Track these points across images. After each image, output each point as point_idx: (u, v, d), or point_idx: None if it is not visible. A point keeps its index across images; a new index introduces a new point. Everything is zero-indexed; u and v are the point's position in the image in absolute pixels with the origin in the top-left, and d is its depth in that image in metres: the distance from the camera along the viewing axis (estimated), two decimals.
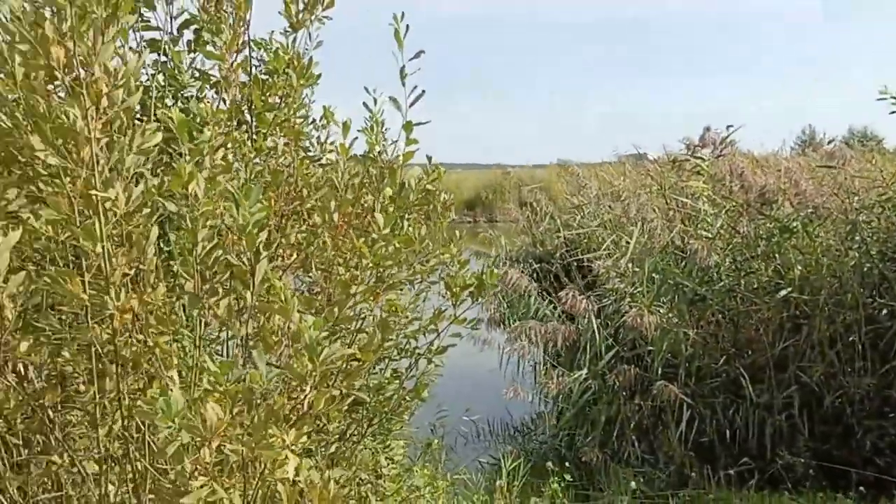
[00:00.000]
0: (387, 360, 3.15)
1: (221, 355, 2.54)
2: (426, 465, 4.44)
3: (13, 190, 1.64)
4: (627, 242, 6.96)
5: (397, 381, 3.01)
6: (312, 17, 2.80)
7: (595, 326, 6.49)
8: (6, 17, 1.77)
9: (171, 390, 1.41)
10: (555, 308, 7.28)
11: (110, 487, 2.35)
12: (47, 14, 1.68)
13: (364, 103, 2.97)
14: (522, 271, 7.26)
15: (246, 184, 1.83)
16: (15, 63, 1.45)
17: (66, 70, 1.51)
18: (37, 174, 1.78)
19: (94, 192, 1.53)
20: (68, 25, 1.45)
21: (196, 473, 1.44)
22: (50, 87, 1.78)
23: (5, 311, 1.68)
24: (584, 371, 6.36)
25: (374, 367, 3.09)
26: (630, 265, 6.60)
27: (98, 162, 1.60)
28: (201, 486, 1.41)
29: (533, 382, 8.12)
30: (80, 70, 1.50)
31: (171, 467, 1.77)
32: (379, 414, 2.93)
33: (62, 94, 1.82)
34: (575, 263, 8.22)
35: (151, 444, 2.29)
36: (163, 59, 2.74)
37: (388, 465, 3.35)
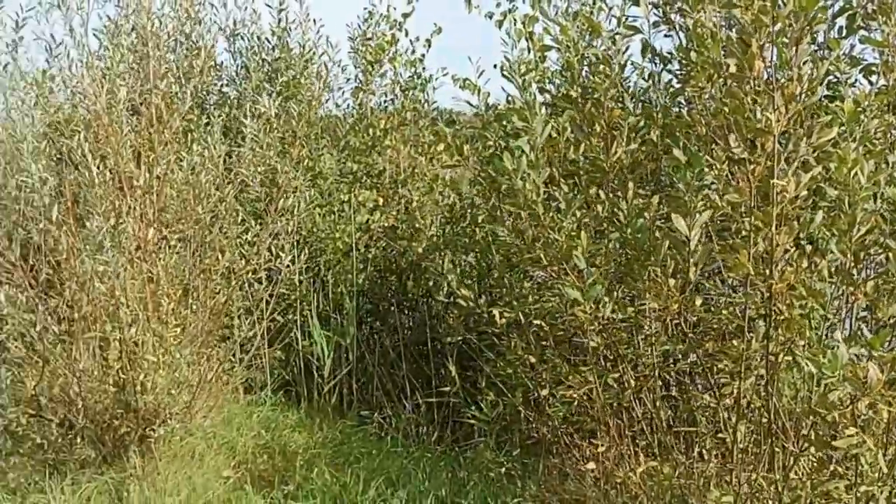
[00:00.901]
0: None
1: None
2: None
3: (705, 171, 2.06)
4: None
5: None
6: None
7: None
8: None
9: (837, 348, 1.63)
10: None
11: (738, 436, 2.71)
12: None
13: None
14: None
15: None
16: (729, 69, 1.84)
17: (759, 77, 1.86)
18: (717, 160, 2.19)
19: (774, 181, 1.85)
20: (767, 39, 1.78)
21: (846, 424, 1.64)
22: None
23: (690, 275, 2.14)
24: None
25: None
26: None
27: (776, 154, 1.91)
28: (851, 436, 1.61)
29: None
30: (773, 75, 1.82)
31: (810, 421, 2.00)
32: None
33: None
34: None
35: (776, 402, 2.55)
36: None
37: None
